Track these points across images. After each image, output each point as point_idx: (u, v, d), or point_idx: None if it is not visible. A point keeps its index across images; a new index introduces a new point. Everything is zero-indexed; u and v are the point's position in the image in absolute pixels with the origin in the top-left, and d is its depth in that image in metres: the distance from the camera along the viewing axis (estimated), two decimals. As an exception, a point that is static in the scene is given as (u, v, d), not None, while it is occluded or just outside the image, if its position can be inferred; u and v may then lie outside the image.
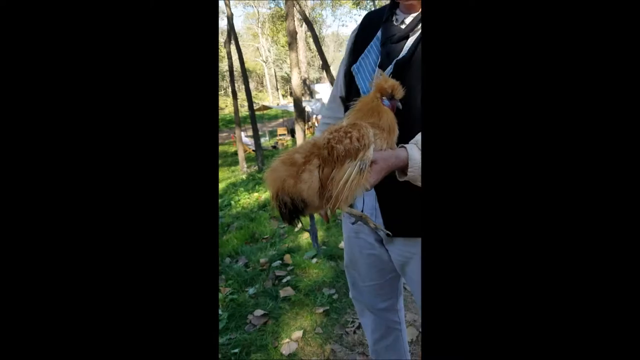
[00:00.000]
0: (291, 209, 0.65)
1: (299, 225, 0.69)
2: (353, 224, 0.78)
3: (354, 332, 1.61)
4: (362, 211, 0.88)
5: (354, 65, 0.86)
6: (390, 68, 0.79)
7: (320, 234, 2.68)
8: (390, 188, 0.79)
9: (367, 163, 0.65)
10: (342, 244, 2.39)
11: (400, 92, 0.71)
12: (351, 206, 0.71)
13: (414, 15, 0.80)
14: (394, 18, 0.83)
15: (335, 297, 1.86)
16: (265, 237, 2.88)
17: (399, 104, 0.72)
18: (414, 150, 0.69)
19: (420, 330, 1.56)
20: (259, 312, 1.77)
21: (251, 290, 1.98)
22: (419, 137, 0.71)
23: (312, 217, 0.75)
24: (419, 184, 0.70)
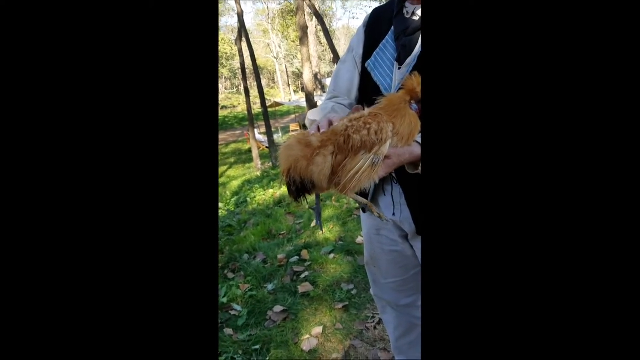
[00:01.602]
0: (299, 188, 0.66)
1: (304, 203, 0.70)
2: (357, 209, 0.79)
3: (375, 328, 1.59)
4: (393, 213, 0.87)
5: (369, 61, 0.84)
6: (413, 60, 0.76)
7: (337, 229, 2.67)
8: (417, 184, 0.77)
9: (380, 158, 0.64)
10: (359, 239, 2.38)
11: None
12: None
13: None
14: (404, 11, 0.81)
15: (354, 292, 1.85)
16: (282, 233, 2.89)
17: None
18: None
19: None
20: (278, 308, 1.77)
21: (270, 287, 1.99)
22: None
23: (317, 196, 0.76)
24: None
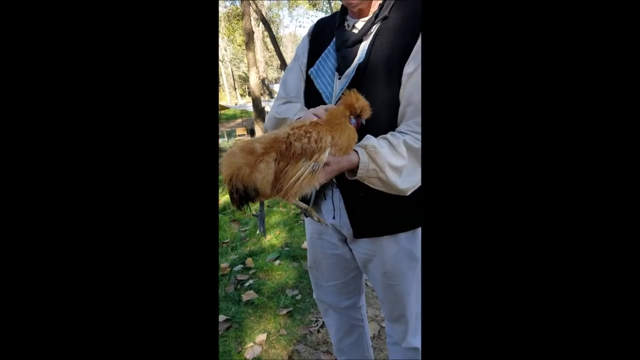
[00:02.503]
0: (242, 196, 0.66)
1: (247, 210, 0.70)
2: (299, 214, 0.82)
3: (318, 331, 1.62)
4: (333, 217, 0.90)
5: (312, 69, 0.88)
6: (352, 72, 0.81)
7: (283, 235, 2.67)
8: (355, 190, 0.82)
9: (320, 165, 0.68)
10: (305, 244, 2.40)
11: (367, 113, 0.74)
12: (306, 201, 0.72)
13: (365, 19, 0.83)
14: (345, 24, 0.86)
15: (298, 297, 1.87)
16: (226, 241, 2.81)
17: (364, 121, 0.75)
18: (364, 155, 0.73)
19: (383, 325, 1.62)
20: (221, 317, 1.73)
21: (212, 296, 1.93)
22: (367, 141, 0.75)
23: (261, 203, 0.77)
24: (366, 183, 0.76)
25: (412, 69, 0.75)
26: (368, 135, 0.76)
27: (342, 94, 0.75)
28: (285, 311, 1.75)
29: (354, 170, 0.74)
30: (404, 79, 0.76)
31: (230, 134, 14.75)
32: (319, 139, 0.68)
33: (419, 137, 0.74)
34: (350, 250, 0.97)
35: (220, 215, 3.65)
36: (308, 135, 0.67)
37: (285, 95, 0.95)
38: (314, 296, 1.15)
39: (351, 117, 0.73)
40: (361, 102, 0.73)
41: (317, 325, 1.65)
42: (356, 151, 0.73)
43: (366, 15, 0.83)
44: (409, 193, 0.77)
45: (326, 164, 0.69)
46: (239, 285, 2.03)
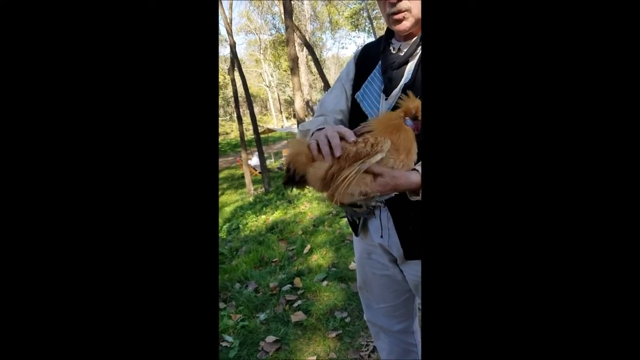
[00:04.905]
0: (290, 176, 0.74)
1: (289, 191, 0.77)
2: (350, 235, 0.80)
3: (369, 356, 1.56)
4: (380, 236, 0.88)
5: (358, 93, 0.89)
6: (398, 91, 0.81)
7: (330, 255, 2.65)
8: (406, 209, 0.79)
9: (366, 165, 0.67)
10: (352, 265, 2.36)
11: None
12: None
13: (411, 41, 0.83)
14: (390, 47, 0.87)
15: (347, 320, 1.82)
16: (275, 260, 2.85)
17: None
18: None
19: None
20: (270, 338, 1.73)
21: (262, 316, 1.94)
22: None
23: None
24: None
25: None
26: None
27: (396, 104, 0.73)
28: (334, 334, 1.71)
29: (415, 190, 0.71)
30: None
31: (278, 155, 15.24)
32: (375, 143, 0.68)
33: None
34: (402, 271, 0.93)
35: (269, 234, 3.73)
36: (365, 140, 0.68)
37: (322, 112, 0.96)
38: (365, 317, 1.12)
39: (407, 118, 0.71)
40: (416, 102, 0.70)
41: (367, 349, 1.59)
42: (417, 170, 0.70)
43: (413, 38, 0.83)
44: None
45: (378, 175, 0.67)
46: (287, 306, 2.03)
